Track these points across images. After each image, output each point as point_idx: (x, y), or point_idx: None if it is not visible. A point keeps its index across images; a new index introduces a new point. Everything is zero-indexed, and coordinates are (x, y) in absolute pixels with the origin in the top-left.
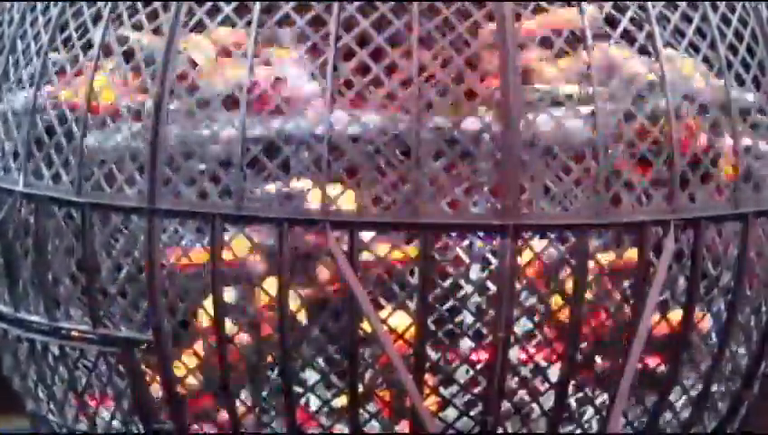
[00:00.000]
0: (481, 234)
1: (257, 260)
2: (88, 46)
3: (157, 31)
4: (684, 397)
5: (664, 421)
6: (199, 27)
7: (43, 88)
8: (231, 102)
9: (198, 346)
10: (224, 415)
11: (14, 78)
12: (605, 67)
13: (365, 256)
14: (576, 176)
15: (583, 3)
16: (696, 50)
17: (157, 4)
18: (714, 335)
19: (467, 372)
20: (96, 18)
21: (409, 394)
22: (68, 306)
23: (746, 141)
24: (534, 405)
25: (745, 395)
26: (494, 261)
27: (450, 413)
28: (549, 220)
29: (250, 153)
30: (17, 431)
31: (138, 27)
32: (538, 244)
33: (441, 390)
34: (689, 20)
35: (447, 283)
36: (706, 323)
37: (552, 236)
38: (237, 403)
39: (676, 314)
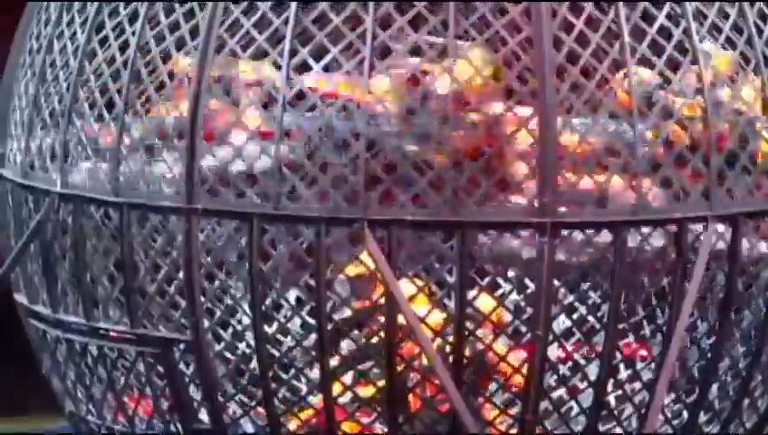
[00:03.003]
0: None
1: None
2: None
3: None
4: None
5: (703, 419)
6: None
7: (81, 90)
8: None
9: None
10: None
11: (50, 78)
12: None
13: None
14: (613, 172)
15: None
16: (734, 46)
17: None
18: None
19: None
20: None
21: (449, 396)
22: (106, 306)
23: None
24: (573, 403)
25: None
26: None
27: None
28: (586, 217)
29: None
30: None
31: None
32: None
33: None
34: (726, 17)
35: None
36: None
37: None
38: (276, 402)
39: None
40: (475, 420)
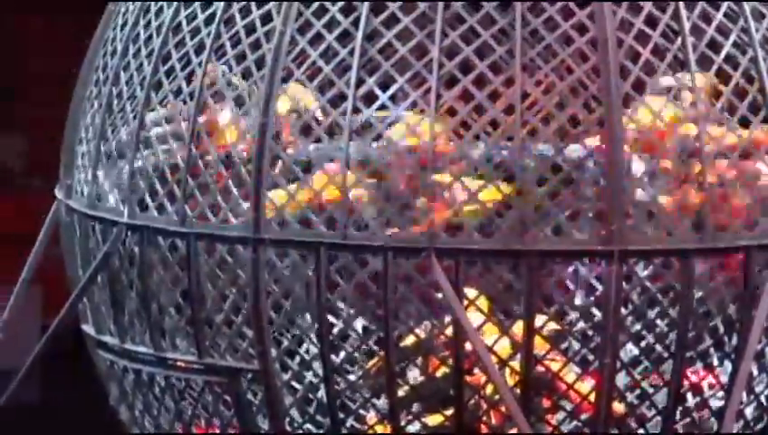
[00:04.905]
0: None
1: None
2: (190, 78)
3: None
4: None
5: None
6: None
7: (146, 119)
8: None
9: None
10: None
11: (117, 110)
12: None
13: None
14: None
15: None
16: None
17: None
18: None
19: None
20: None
21: (518, 425)
22: (174, 336)
23: None
24: (642, 431)
25: None
26: (599, 287)
27: None
28: (653, 245)
29: None
30: None
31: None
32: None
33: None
34: None
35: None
36: None
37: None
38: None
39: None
40: None
